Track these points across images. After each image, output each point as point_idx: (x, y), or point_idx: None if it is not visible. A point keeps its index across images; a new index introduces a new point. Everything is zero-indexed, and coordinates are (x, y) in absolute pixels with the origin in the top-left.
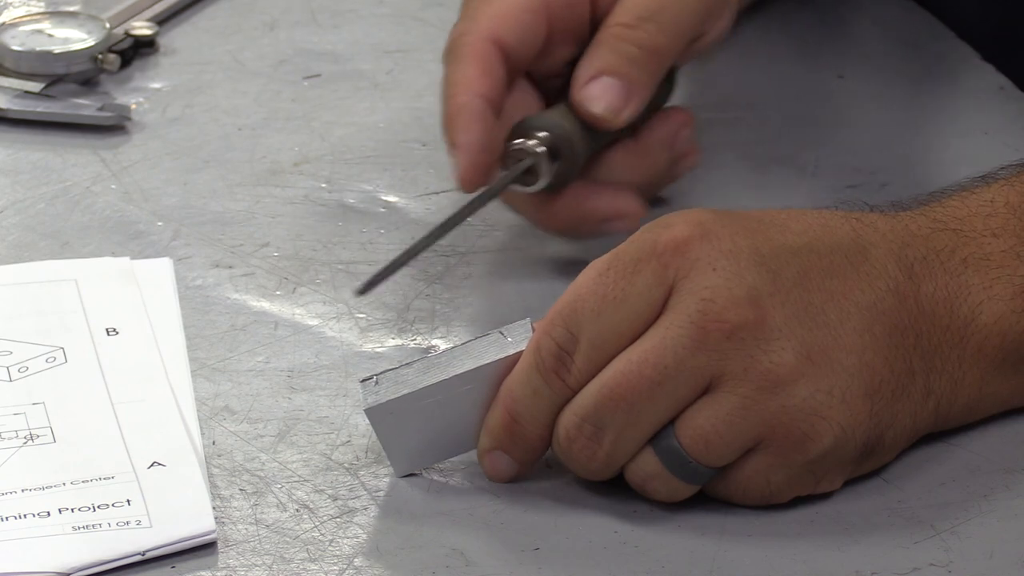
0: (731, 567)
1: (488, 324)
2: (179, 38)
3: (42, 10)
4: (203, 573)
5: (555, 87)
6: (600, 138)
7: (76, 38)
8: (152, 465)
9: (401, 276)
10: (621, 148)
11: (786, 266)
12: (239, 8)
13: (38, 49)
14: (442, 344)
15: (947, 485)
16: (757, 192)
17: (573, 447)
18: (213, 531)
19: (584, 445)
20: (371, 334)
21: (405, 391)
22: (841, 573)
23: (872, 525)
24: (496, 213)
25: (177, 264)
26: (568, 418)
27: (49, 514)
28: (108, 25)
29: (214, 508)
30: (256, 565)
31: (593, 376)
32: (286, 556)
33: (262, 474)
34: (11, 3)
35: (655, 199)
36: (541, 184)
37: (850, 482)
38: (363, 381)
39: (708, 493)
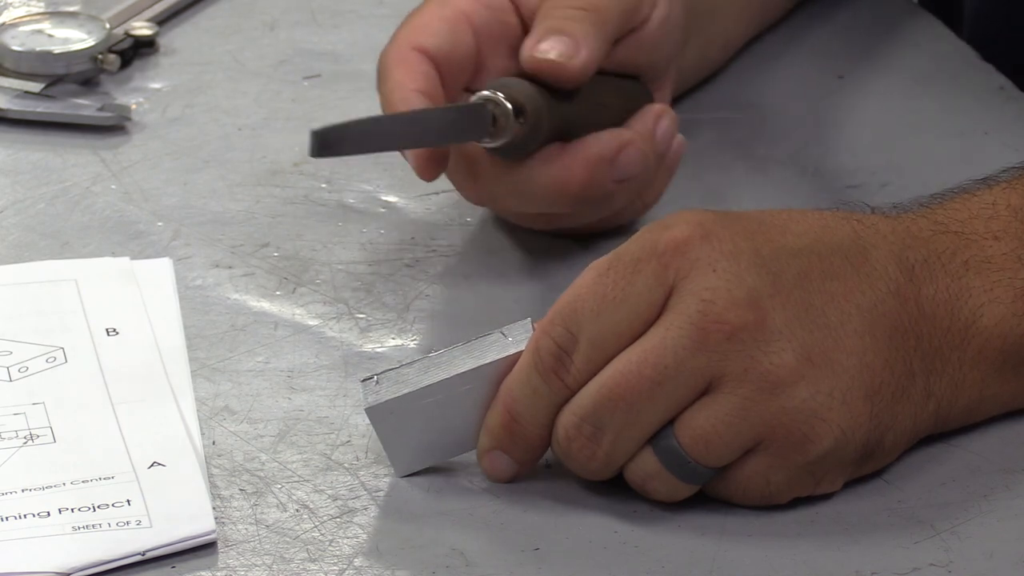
0: (731, 567)
1: (488, 324)
2: (179, 38)
3: (42, 10)
4: (203, 573)
5: None
6: (563, 108)
7: (76, 38)
8: (152, 465)
9: (401, 276)
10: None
11: (787, 267)
12: (239, 8)
13: (38, 49)
14: (442, 344)
15: (947, 485)
16: (757, 192)
17: (572, 447)
18: (213, 531)
19: (583, 445)
20: (371, 334)
21: (406, 390)
22: (841, 573)
23: (872, 525)
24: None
25: (177, 264)
26: (567, 418)
27: (49, 514)
28: (108, 25)
29: (214, 508)
30: (256, 565)
31: (592, 376)
32: (286, 556)
33: (262, 474)
34: (11, 3)
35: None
36: (504, 139)
37: (850, 482)
38: (364, 380)
39: (708, 493)
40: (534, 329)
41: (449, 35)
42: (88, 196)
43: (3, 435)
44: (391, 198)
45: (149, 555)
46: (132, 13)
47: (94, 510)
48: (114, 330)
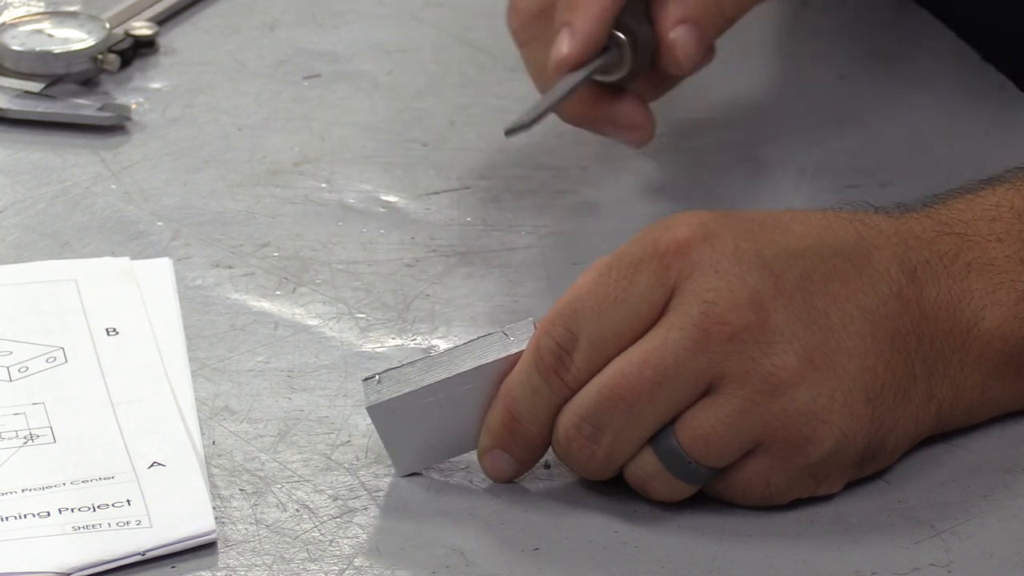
0: (731, 567)
1: (488, 324)
2: (179, 38)
3: (42, 10)
4: (203, 573)
5: None
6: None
7: (76, 38)
8: (152, 465)
9: (401, 276)
10: None
11: (789, 269)
12: (239, 8)
13: (38, 49)
14: (442, 344)
15: (947, 485)
16: (757, 192)
17: (572, 446)
18: (213, 531)
19: (583, 445)
20: (371, 334)
21: (407, 389)
22: (841, 573)
23: (872, 525)
24: (496, 213)
25: (177, 264)
26: (567, 417)
27: (49, 514)
28: (108, 25)
29: (214, 508)
30: (256, 565)
31: (592, 376)
32: (286, 556)
33: (262, 474)
34: (11, 3)
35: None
36: (616, 76)
37: (850, 483)
38: (365, 380)
39: (708, 493)
40: (535, 329)
41: None
42: (88, 196)
43: (3, 435)
44: (391, 198)
45: (149, 555)
46: (132, 13)
47: (94, 510)
48: (114, 330)
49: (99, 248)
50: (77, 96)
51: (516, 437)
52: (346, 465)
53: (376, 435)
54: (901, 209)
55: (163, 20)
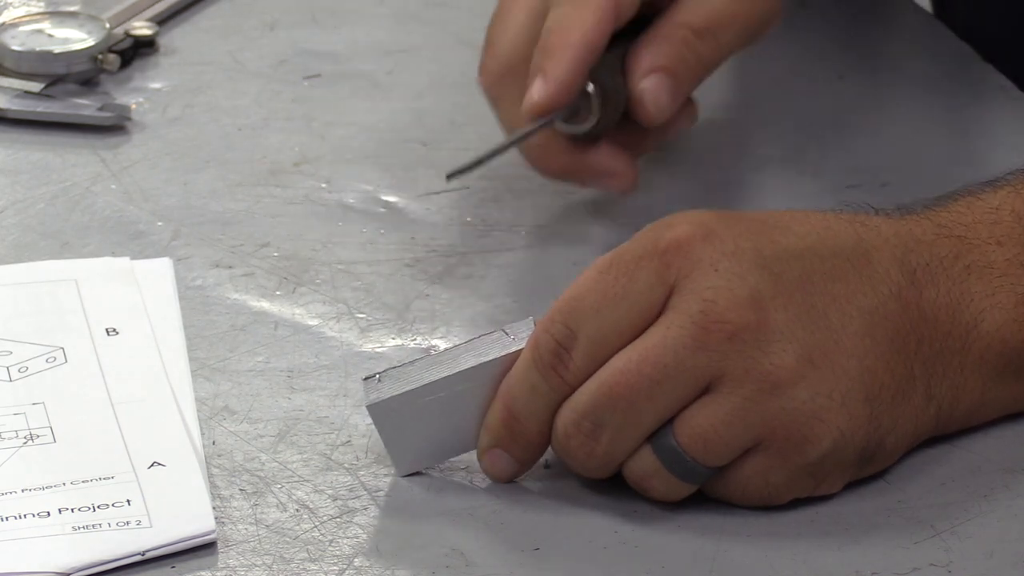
0: (731, 567)
1: (488, 324)
2: (179, 38)
3: (42, 10)
4: (203, 573)
5: None
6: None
7: (76, 38)
8: (152, 465)
9: (401, 276)
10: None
11: (788, 268)
12: (239, 8)
13: (38, 49)
14: (442, 344)
15: (947, 485)
16: (757, 192)
17: (571, 444)
18: (213, 531)
19: (582, 443)
20: (371, 334)
21: (407, 388)
22: (841, 573)
23: (872, 525)
24: (496, 213)
25: (177, 264)
26: (567, 415)
27: (49, 514)
28: (108, 25)
29: (214, 508)
30: (256, 565)
31: (591, 373)
32: (286, 556)
33: (262, 474)
34: (11, 3)
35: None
36: (584, 127)
37: (850, 483)
38: (365, 379)
39: (707, 493)
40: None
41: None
42: (88, 196)
43: (3, 435)
44: (391, 198)
45: (149, 555)
46: (132, 13)
47: (94, 510)
48: (114, 330)
49: (99, 248)
50: (77, 96)
51: (515, 435)
52: (346, 465)
53: (376, 435)
54: (901, 211)
55: (163, 20)
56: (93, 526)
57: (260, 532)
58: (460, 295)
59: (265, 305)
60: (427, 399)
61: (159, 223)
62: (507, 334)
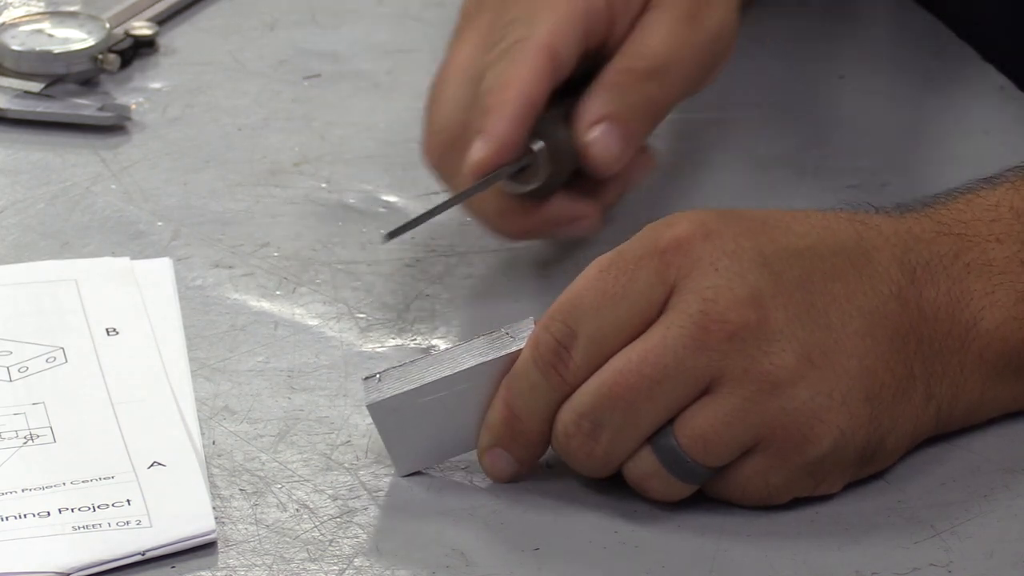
0: (731, 567)
1: (488, 324)
2: (179, 38)
3: (42, 10)
4: (203, 573)
5: None
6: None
7: (76, 38)
8: (152, 465)
9: (401, 276)
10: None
11: (789, 268)
12: (239, 8)
13: (38, 49)
14: (442, 344)
15: (947, 485)
16: (757, 192)
17: (571, 444)
18: (213, 531)
19: (582, 442)
20: (371, 334)
21: (407, 387)
22: (841, 573)
23: (872, 525)
24: None
25: (177, 264)
26: (567, 414)
27: (49, 514)
28: (108, 25)
29: (214, 508)
30: (256, 565)
31: (591, 372)
32: (286, 556)
33: (262, 474)
34: (11, 3)
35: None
36: (533, 185)
37: (850, 483)
38: (365, 379)
39: (707, 493)
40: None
41: (577, 44)
42: (88, 196)
43: (3, 435)
44: (391, 198)
45: (149, 555)
46: (132, 13)
47: (94, 510)
48: (114, 330)
49: (99, 248)
50: (77, 96)
51: (515, 435)
52: (346, 465)
53: (376, 435)
54: (901, 209)
55: (163, 20)
56: (93, 526)
57: (260, 532)
58: (460, 295)
59: (265, 305)
60: (427, 399)
61: (159, 223)
62: (507, 334)
